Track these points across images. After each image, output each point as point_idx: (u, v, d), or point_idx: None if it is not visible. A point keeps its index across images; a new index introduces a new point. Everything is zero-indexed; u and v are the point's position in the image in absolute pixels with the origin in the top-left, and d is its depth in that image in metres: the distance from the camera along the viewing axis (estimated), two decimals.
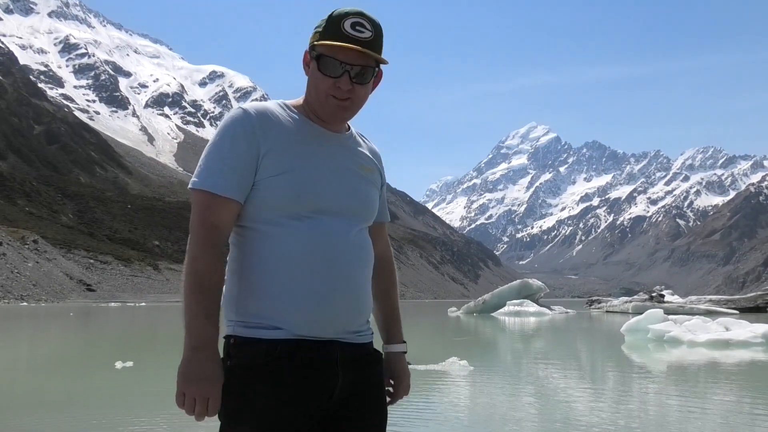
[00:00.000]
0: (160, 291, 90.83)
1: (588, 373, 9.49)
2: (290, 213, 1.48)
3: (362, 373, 1.52)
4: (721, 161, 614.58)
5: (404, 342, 1.74)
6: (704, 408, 5.98)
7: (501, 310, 33.51)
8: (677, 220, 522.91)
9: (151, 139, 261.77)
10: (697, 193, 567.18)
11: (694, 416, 5.55)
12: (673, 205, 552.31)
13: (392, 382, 1.69)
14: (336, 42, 1.48)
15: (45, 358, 11.87)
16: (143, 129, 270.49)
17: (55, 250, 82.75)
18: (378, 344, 1.68)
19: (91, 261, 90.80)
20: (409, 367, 1.74)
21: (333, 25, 1.50)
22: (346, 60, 1.49)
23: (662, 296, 36.89)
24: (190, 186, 1.51)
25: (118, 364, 8.91)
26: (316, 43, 1.52)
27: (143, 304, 60.93)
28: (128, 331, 21.32)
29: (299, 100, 1.63)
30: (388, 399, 1.65)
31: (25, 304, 56.57)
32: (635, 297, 40.33)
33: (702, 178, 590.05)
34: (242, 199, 1.49)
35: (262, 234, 1.49)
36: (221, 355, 1.45)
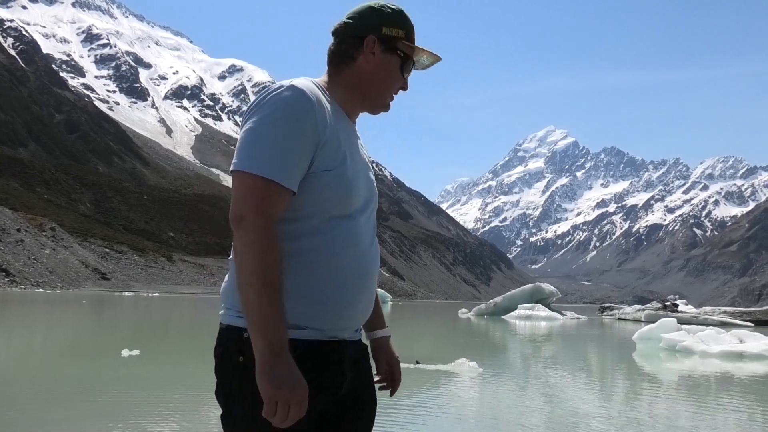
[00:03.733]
0: (174, 282, 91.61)
1: (597, 380, 9.35)
2: (336, 210, 1.44)
3: (359, 369, 1.54)
4: (741, 171, 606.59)
5: (388, 326, 1.75)
6: (714, 420, 5.84)
7: (512, 314, 33.32)
8: (694, 229, 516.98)
9: (169, 131, 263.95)
10: (716, 203, 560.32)
11: (704, 428, 5.42)
12: (691, 214, 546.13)
13: (386, 369, 1.71)
14: (423, 48, 1.56)
15: (54, 345, 11.97)
16: (162, 121, 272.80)
17: (71, 238, 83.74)
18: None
19: (107, 250, 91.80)
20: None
21: (410, 27, 1.57)
22: (418, 67, 1.61)
23: (676, 306, 36.44)
24: (238, 168, 1.37)
25: (125, 352, 8.94)
26: (403, 41, 1.55)
27: (156, 294, 61.46)
28: (139, 320, 21.48)
29: (321, 81, 1.57)
30: (378, 385, 1.67)
31: (40, 290, 57.31)
32: (648, 305, 39.87)
33: (721, 188, 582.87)
34: (297, 191, 1.41)
35: (306, 229, 1.42)
36: (229, 347, 1.41)
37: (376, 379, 1.70)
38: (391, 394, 1.72)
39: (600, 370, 10.93)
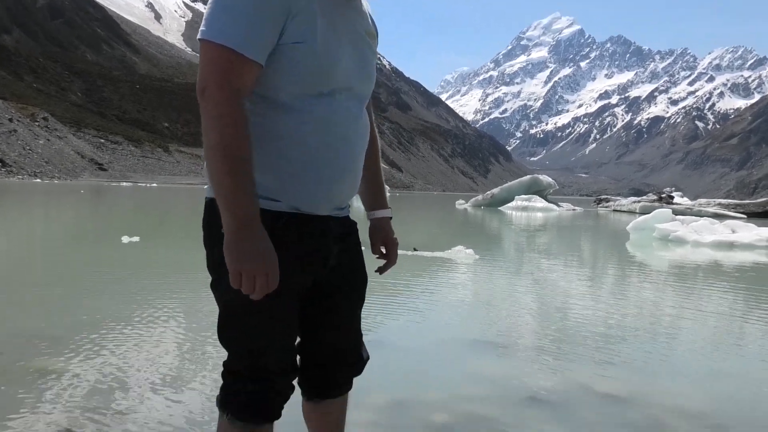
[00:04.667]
0: (171, 172, 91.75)
1: (589, 267, 9.55)
2: (309, 88, 1.38)
3: (346, 243, 1.54)
4: (750, 62, 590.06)
5: (389, 208, 1.74)
6: (699, 306, 5.99)
7: (509, 205, 33.68)
8: (696, 122, 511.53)
9: (158, 17, 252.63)
10: (721, 95, 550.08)
11: (688, 314, 5.56)
12: (694, 106, 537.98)
13: (383, 250, 1.71)
14: None
15: (55, 232, 12.10)
16: (149, 5, 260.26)
17: (65, 128, 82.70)
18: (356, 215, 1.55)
19: (102, 141, 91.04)
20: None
21: None
22: None
23: (671, 198, 36.79)
24: (203, 36, 1.30)
25: (125, 239, 9.03)
26: None
27: (154, 184, 61.74)
28: (137, 209, 21.66)
29: None
30: (381, 268, 1.70)
31: (38, 180, 57.46)
32: (644, 198, 40.27)
33: (727, 80, 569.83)
34: (264, 64, 1.33)
35: (276, 106, 1.38)
36: (212, 219, 1.40)
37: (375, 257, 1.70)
38: (381, 273, 1.71)
39: (592, 258, 11.15)
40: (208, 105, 1.28)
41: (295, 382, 1.53)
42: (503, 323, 4.76)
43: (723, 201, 37.46)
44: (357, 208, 1.76)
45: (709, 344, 4.43)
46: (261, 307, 1.37)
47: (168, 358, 3.38)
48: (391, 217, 1.75)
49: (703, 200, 37.99)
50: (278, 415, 1.48)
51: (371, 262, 1.67)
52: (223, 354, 1.49)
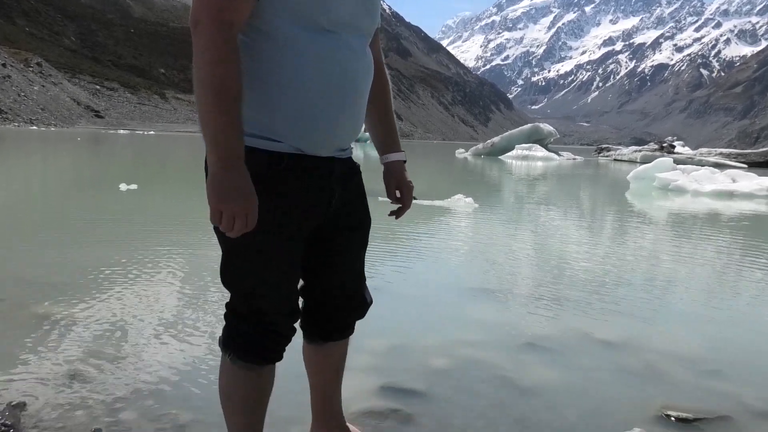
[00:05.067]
0: (168, 120, 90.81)
1: (588, 216, 9.56)
2: (311, 22, 1.33)
3: (349, 185, 1.53)
4: (759, 7, 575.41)
5: (403, 151, 1.71)
6: (696, 254, 6.03)
7: (509, 154, 33.48)
8: (701, 69, 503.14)
9: None
10: (727, 41, 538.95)
11: (685, 262, 5.60)
12: (699, 53, 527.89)
13: (398, 194, 1.69)
14: None
15: (52, 179, 12.06)
16: None
17: (59, 74, 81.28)
18: (365, 159, 1.52)
19: (98, 87, 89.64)
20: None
21: None
22: None
23: (673, 147, 36.57)
24: None
25: (123, 186, 9.00)
26: None
27: (152, 132, 61.21)
28: (135, 157, 21.53)
29: None
30: (395, 212, 1.69)
31: (35, 127, 56.92)
32: (645, 147, 40.00)
33: (735, 26, 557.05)
34: None
35: (277, 40, 1.33)
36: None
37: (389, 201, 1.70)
38: (396, 217, 1.70)
39: (591, 208, 11.15)
40: (200, 39, 1.24)
41: (296, 325, 1.54)
42: (502, 271, 4.79)
43: (724, 150, 37.23)
44: (356, 156, 1.73)
45: (705, 291, 4.47)
46: (261, 250, 1.37)
47: (170, 302, 3.41)
48: (405, 161, 1.71)
49: (704, 150, 37.76)
50: (279, 357, 1.49)
51: (379, 207, 1.65)
52: (226, 296, 1.49)
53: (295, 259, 1.45)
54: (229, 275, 1.44)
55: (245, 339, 1.44)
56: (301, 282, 1.55)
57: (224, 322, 1.50)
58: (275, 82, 1.33)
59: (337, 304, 1.61)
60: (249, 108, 1.32)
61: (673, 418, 2.18)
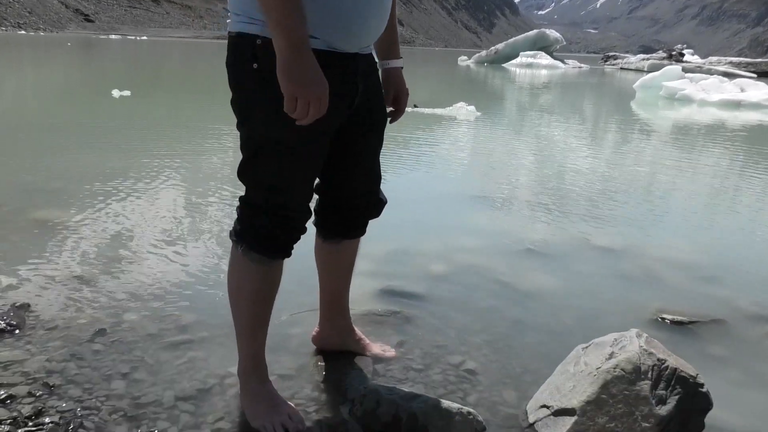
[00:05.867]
0: (161, 25, 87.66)
1: (590, 125, 9.42)
2: None
3: (369, 82, 1.52)
4: None
5: (401, 58, 1.71)
6: (697, 164, 5.97)
7: (513, 62, 32.61)
8: None
9: None
10: None
11: (686, 171, 5.56)
12: None
13: (393, 99, 1.69)
14: None
15: (43, 85, 11.77)
16: None
17: None
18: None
19: None
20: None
21: None
22: None
23: (682, 55, 35.54)
24: None
25: (116, 93, 8.80)
26: None
27: (144, 37, 59.27)
28: (127, 62, 20.94)
29: None
30: (389, 115, 1.67)
31: (23, 32, 55.07)
32: (653, 55, 38.85)
33: None
34: None
35: None
36: (237, 58, 1.37)
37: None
38: (391, 122, 1.70)
39: (594, 117, 10.97)
40: None
41: (309, 225, 1.55)
42: (502, 179, 4.77)
43: (735, 59, 36.19)
44: None
45: (705, 200, 4.46)
46: (292, 145, 1.38)
47: (172, 206, 3.39)
48: (402, 67, 1.71)
49: (714, 58, 36.69)
50: (289, 253, 1.51)
51: None
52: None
53: (321, 156, 1.46)
54: (251, 170, 1.44)
55: (261, 231, 1.45)
56: (317, 180, 1.56)
57: (237, 215, 1.50)
58: None
59: (354, 203, 1.64)
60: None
61: (668, 321, 2.22)
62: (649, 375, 1.47)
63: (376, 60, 1.61)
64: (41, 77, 13.65)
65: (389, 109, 1.68)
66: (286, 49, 1.23)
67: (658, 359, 1.49)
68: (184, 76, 15.42)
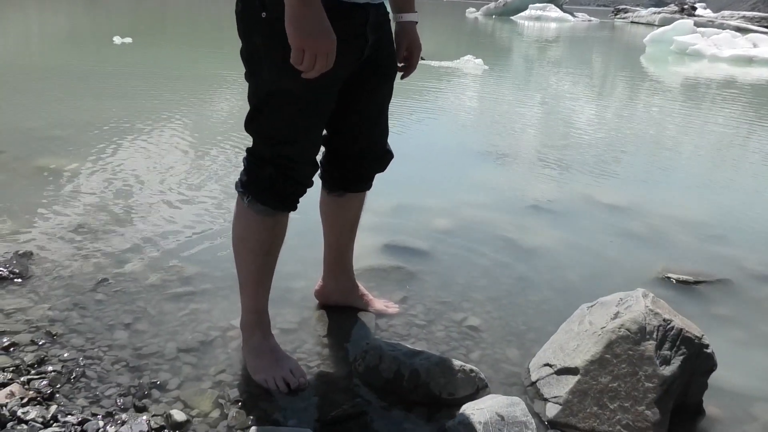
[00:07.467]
0: None
1: (598, 80, 9.24)
2: None
3: (380, 33, 1.48)
4: None
5: (416, 12, 1.65)
6: (705, 122, 5.87)
7: (521, 14, 31.88)
8: None
9: None
10: None
11: (694, 129, 5.48)
12: None
13: (405, 54, 1.63)
14: None
15: (40, 32, 11.54)
16: None
17: None
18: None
19: None
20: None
21: None
22: None
23: (694, 9, 34.63)
24: None
25: (117, 40, 8.62)
26: None
27: None
28: (128, 9, 20.47)
29: None
30: (400, 70, 1.63)
31: None
32: (665, 8, 37.87)
33: None
34: None
35: None
36: (246, 7, 1.34)
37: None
38: (402, 77, 1.65)
39: (603, 72, 10.76)
40: None
41: (315, 178, 1.52)
42: (508, 134, 4.69)
43: (748, 14, 35.27)
44: None
45: (713, 158, 4.40)
46: (299, 96, 1.35)
47: (177, 156, 3.35)
48: (417, 22, 1.65)
49: (726, 12, 35.75)
50: (295, 207, 1.49)
51: None
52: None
53: (328, 108, 1.44)
54: (258, 121, 1.42)
55: (267, 183, 1.43)
56: (324, 132, 1.53)
57: (243, 166, 1.48)
58: None
59: (361, 155, 1.61)
60: None
61: (674, 280, 2.20)
62: (655, 335, 1.45)
63: (389, 11, 1.55)
64: (34, 24, 13.35)
65: (400, 64, 1.62)
66: (296, 3, 1.21)
67: (664, 319, 1.48)
68: (186, 21, 15.09)
